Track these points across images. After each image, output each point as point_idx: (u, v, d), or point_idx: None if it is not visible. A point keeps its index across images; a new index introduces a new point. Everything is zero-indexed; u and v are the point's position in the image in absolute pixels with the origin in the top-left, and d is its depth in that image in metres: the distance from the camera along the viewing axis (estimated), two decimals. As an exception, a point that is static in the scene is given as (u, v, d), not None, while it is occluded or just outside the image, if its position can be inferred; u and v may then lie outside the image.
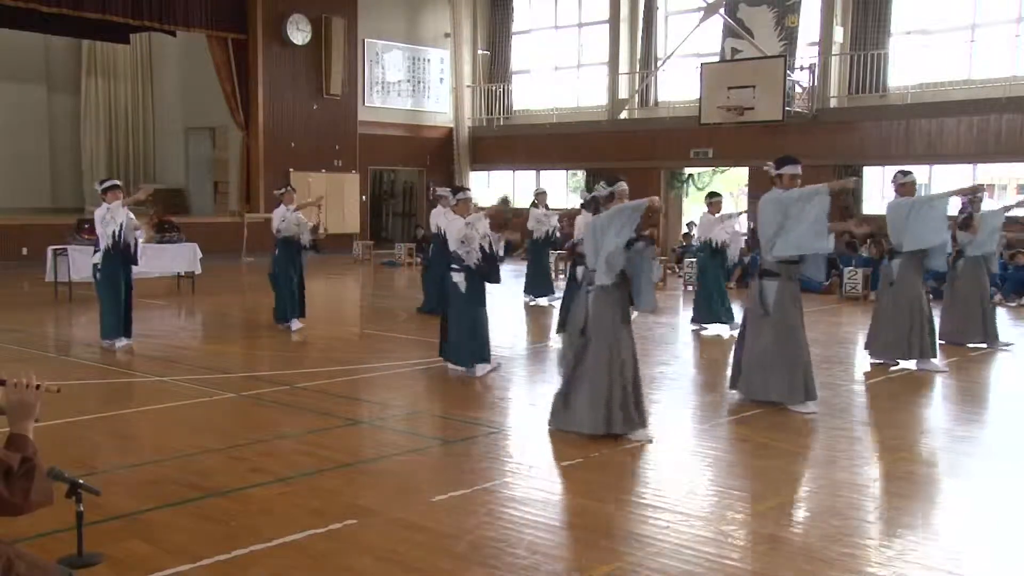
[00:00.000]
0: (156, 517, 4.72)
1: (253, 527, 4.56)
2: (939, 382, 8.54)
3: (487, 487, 5.26)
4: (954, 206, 10.37)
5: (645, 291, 6.34)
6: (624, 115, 22.82)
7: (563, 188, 24.67)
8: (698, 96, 20.12)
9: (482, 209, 8.53)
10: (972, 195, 10.03)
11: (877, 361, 9.15)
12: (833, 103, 19.70)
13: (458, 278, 8.29)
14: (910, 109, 18.36)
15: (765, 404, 7.20)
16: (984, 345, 10.29)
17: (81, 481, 3.86)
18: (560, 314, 10.27)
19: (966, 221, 10.23)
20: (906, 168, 9.66)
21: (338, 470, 5.60)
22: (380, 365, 9.04)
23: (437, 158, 25.44)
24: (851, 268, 15.31)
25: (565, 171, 24.64)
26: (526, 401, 7.76)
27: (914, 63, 18.76)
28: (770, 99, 18.89)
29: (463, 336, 8.33)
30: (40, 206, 22.75)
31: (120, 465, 5.72)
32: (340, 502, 4.96)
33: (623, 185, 6.53)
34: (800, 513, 4.92)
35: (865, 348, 9.38)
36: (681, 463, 5.92)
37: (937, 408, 7.88)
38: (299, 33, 22.03)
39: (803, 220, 6.98)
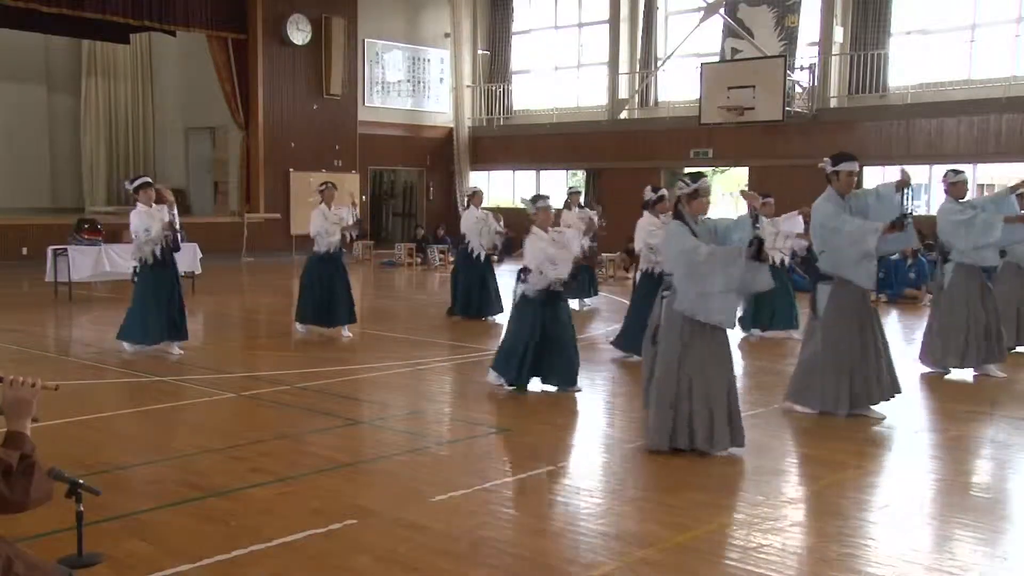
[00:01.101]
0: (156, 517, 4.72)
1: (253, 527, 4.56)
2: (944, 384, 8.53)
3: (487, 487, 5.25)
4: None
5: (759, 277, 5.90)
6: (624, 115, 22.81)
7: (563, 188, 24.61)
8: (698, 96, 20.10)
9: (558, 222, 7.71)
10: None
11: (930, 371, 8.74)
12: (833, 103, 19.69)
13: (517, 288, 7.85)
14: (910, 109, 18.34)
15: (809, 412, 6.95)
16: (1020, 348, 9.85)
17: (81, 481, 3.85)
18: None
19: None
20: (957, 167, 8.89)
21: (338, 470, 5.60)
22: (380, 365, 9.03)
23: (437, 158, 25.43)
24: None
25: (565, 171, 24.63)
26: (526, 401, 7.75)
27: (914, 63, 18.75)
28: (770, 99, 18.88)
29: (505, 341, 7.98)
30: (40, 206, 22.74)
31: (120, 465, 5.72)
32: (340, 502, 4.96)
33: (707, 182, 6.02)
34: (801, 513, 4.91)
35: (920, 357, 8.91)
36: (680, 463, 5.91)
37: (941, 409, 7.87)
38: (299, 33, 22.02)
39: (841, 243, 6.69)
